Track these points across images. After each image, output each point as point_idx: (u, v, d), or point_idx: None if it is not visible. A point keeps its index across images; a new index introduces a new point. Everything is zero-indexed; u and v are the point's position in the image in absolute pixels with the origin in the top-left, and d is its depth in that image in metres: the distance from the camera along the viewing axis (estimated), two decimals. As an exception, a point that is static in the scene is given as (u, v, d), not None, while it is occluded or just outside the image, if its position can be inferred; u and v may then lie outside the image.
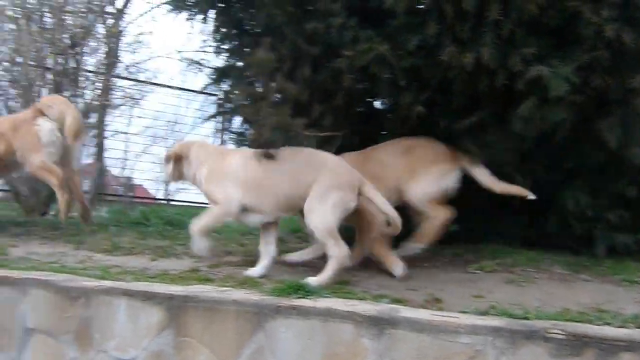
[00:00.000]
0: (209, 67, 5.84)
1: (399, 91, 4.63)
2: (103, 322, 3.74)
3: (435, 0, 4.26)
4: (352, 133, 4.86)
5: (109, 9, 9.48)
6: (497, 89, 4.37)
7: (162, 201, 14.96)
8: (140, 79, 10.86)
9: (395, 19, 4.47)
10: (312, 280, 3.88)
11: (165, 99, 14.51)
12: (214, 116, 6.18)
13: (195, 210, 10.24)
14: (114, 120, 10.71)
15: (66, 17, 8.33)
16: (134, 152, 14.82)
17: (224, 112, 5.93)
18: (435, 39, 4.34)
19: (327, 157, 4.34)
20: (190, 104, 16.10)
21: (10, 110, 8.09)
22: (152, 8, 12.56)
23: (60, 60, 8.05)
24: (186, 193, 17.01)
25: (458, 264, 4.82)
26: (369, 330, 3.16)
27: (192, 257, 5.08)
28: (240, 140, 6.05)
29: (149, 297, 3.61)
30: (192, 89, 15.04)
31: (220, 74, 5.76)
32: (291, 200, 4.28)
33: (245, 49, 5.28)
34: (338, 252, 4.09)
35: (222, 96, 5.79)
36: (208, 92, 15.21)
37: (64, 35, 7.98)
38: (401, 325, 3.12)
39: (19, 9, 8.24)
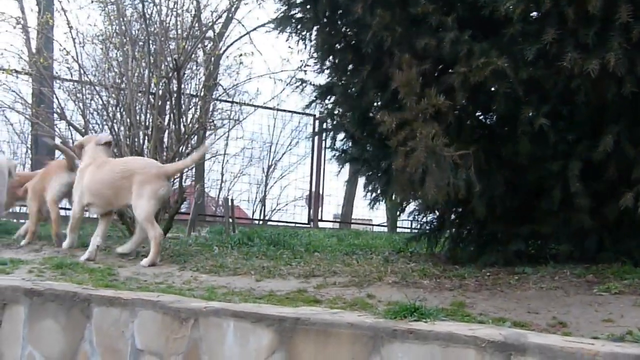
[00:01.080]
0: (312, 84, 5.75)
1: (518, 105, 4.35)
2: (212, 344, 3.63)
3: (555, 4, 3.97)
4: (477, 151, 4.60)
5: (209, 33, 9.65)
6: (625, 97, 4.04)
7: (258, 221, 15.11)
8: (238, 101, 10.93)
9: (510, 27, 4.21)
10: (144, 262, 5.65)
11: (261, 119, 14.76)
12: (319, 133, 6.06)
13: (293, 230, 10.28)
14: (213, 143, 10.75)
15: (169, 42, 8.48)
16: (232, 173, 15.03)
17: (329, 129, 5.80)
18: (556, 46, 4.05)
19: (136, 162, 6.20)
20: (285, 124, 16.30)
21: (115, 133, 8.27)
22: (251, 30, 12.77)
23: (162, 84, 8.16)
24: (282, 213, 17.25)
25: (579, 285, 4.48)
26: (493, 357, 2.91)
27: (298, 278, 4.97)
28: (342, 158, 5.92)
29: (258, 319, 3.48)
30: (288, 109, 15.33)
31: (324, 91, 5.66)
32: (115, 200, 6.07)
33: (350, 66, 5.14)
34: (154, 234, 5.71)
35: (326, 114, 5.66)
36: (305, 112, 15.48)
37: (167, 59, 8.08)
38: (530, 352, 2.85)
39: (124, 36, 8.45)
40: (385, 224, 17.24)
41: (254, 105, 12.92)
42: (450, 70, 4.43)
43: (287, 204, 17.60)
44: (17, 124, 13.88)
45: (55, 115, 9.13)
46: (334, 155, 5.94)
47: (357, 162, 5.62)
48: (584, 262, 4.89)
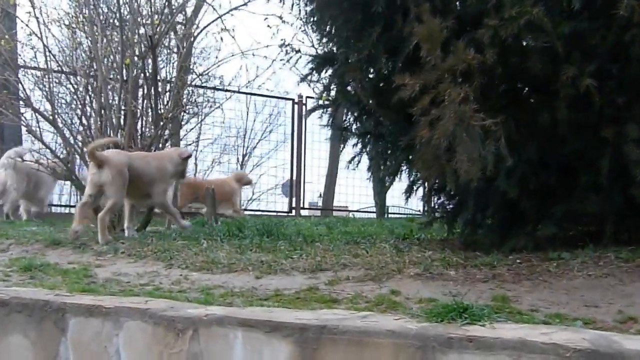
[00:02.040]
0: (308, 54, 5.09)
1: (557, 64, 3.74)
2: None
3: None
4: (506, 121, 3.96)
5: (180, 17, 8.90)
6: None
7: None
8: (213, 86, 10.19)
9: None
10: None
11: (235, 105, 14.03)
12: (313, 110, 5.39)
13: (277, 219, 9.63)
14: (192, 129, 10.01)
15: (140, 25, 7.72)
16: (205, 162, 14.33)
17: (331, 104, 5.12)
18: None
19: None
20: (262, 110, 15.53)
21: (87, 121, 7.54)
22: (225, 14, 11.99)
23: (136, 65, 7.43)
24: (258, 202, 16.56)
25: (632, 271, 3.92)
26: (582, 370, 2.31)
27: (304, 273, 4.36)
28: (346, 135, 5.27)
29: (273, 328, 2.83)
30: (265, 94, 14.58)
31: (321, 62, 5.00)
32: None
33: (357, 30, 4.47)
34: None
35: (323, 88, 4.99)
36: (284, 96, 14.73)
37: (141, 37, 7.35)
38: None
39: (93, 15, 7.69)
40: (364, 210, 16.69)
41: (230, 90, 12.16)
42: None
43: (262, 193, 16.86)
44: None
45: (21, 103, 8.34)
46: (334, 134, 5.27)
47: (368, 138, 4.94)
48: (625, 244, 4.33)
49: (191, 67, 9.77)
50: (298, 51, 5.05)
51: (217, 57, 10.45)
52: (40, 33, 7.62)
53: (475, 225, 5.00)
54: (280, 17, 11.01)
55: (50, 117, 7.44)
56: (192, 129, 10.02)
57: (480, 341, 2.46)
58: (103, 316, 3.30)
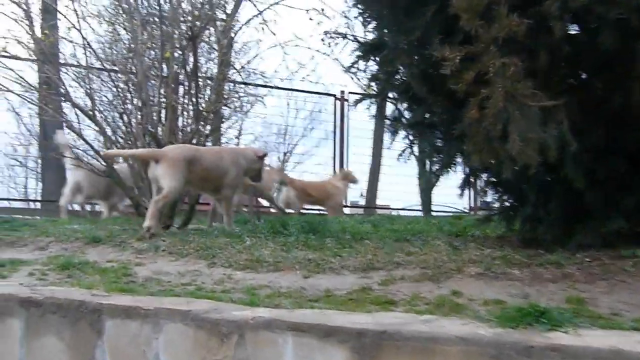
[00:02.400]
0: (356, 40, 4.79)
1: (632, 38, 3.38)
2: (264, 367, 2.72)
3: None
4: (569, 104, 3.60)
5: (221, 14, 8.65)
6: None
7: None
8: (253, 82, 9.93)
9: None
10: None
11: (276, 102, 13.76)
12: (360, 101, 5.08)
13: (321, 217, 9.37)
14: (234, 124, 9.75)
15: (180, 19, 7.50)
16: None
17: (379, 94, 4.82)
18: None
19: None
20: (302, 107, 15.22)
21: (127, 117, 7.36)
22: (265, 9, 11.76)
23: (176, 58, 7.23)
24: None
25: None
26: None
27: (355, 272, 4.08)
28: (396, 126, 4.96)
29: (327, 333, 2.56)
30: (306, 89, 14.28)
31: (369, 49, 4.70)
32: None
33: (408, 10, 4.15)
34: None
35: (371, 76, 4.68)
36: (326, 92, 14.37)
37: (182, 28, 7.13)
38: None
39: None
40: (408, 208, 16.26)
41: (270, 86, 11.95)
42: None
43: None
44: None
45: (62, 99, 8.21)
46: (381, 126, 4.96)
47: (419, 128, 4.61)
48: None
49: (232, 62, 9.56)
50: (344, 36, 4.72)
51: (257, 52, 10.08)
52: (79, 27, 7.44)
53: (536, 220, 4.63)
54: (322, 11, 10.71)
55: (91, 113, 7.26)
56: (233, 124, 9.75)
57: (565, 350, 2.16)
58: (142, 318, 3.06)
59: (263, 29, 8.62)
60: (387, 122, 5.00)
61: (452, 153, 4.33)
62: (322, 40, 9.88)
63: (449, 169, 4.61)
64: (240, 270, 4.32)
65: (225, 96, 8.51)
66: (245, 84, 9.82)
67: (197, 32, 6.88)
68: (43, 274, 4.39)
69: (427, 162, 5.03)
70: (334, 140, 14.32)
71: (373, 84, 5.04)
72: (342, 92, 14.29)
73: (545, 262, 3.97)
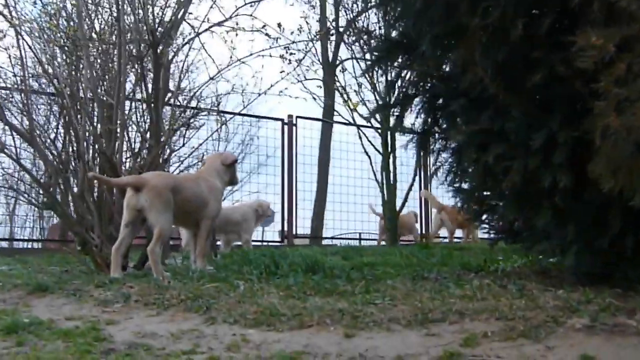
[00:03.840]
0: (381, 37, 3.88)
1: None
2: None
3: None
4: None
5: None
6: None
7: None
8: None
9: None
10: None
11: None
12: (388, 107, 4.15)
13: (278, 249, 8.39)
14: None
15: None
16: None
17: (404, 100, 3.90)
18: None
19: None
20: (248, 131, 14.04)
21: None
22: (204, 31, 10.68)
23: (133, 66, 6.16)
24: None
25: None
26: None
27: (410, 327, 3.14)
28: (425, 140, 4.05)
29: None
30: (255, 114, 13.18)
31: (393, 47, 3.79)
32: None
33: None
34: None
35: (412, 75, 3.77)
36: (272, 117, 13.30)
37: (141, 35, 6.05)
38: None
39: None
40: (348, 238, 15.23)
41: (212, 110, 10.81)
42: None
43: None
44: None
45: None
46: (413, 140, 4.03)
47: (478, 138, 3.64)
48: None
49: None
50: (367, 32, 3.81)
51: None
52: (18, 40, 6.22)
53: (612, 253, 3.77)
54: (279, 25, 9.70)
55: (28, 135, 6.05)
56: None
57: None
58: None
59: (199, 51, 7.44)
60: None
61: (530, 167, 3.39)
62: (282, 56, 9.00)
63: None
64: (254, 328, 3.27)
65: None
66: (192, 108, 8.72)
67: (160, 37, 5.80)
68: (-18, 343, 3.22)
69: (474, 179, 4.09)
70: (282, 166, 13.31)
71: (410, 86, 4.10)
72: (290, 116, 13.40)
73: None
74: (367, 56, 10.61)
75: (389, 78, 4.08)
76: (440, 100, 4.02)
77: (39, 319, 3.62)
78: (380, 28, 4.74)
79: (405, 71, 3.99)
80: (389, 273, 5.03)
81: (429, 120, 4.09)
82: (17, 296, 4.50)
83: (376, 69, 4.31)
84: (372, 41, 3.96)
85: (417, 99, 4.10)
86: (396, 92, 4.30)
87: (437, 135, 4.12)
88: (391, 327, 3.15)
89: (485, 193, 4.45)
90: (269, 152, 13.29)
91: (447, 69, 3.83)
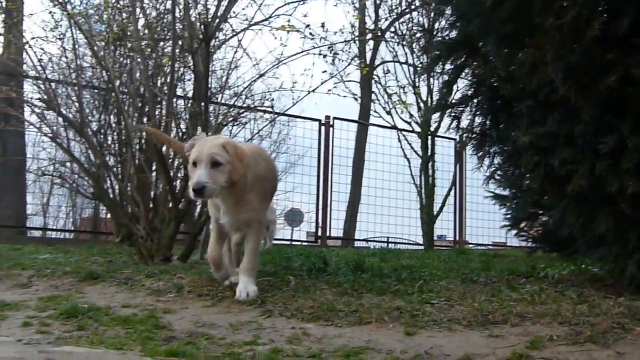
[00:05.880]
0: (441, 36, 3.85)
1: None
2: None
3: None
4: None
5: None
6: None
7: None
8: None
9: None
10: None
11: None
12: (445, 108, 4.11)
13: (319, 250, 8.39)
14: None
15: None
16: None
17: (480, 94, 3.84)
18: None
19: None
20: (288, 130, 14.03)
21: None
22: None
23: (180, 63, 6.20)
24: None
25: None
26: None
27: (470, 327, 3.13)
28: (482, 142, 4.01)
29: None
30: (294, 114, 13.17)
31: (453, 47, 3.76)
32: None
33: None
34: None
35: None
36: (310, 117, 13.24)
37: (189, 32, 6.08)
38: None
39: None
40: (377, 240, 15.13)
41: (252, 109, 10.83)
42: None
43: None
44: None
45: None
46: (470, 139, 3.98)
47: (546, 141, 3.56)
48: None
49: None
50: (427, 30, 3.79)
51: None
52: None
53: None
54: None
55: (79, 125, 6.12)
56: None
57: None
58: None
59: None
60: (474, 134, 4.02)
61: (596, 172, 3.33)
62: (323, 54, 8.94)
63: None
64: (312, 322, 3.28)
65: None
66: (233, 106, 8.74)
67: (212, 32, 5.83)
68: (43, 325, 3.26)
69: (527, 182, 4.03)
70: (318, 166, 13.26)
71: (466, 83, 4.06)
72: (327, 117, 13.36)
73: None
74: (413, 57, 10.66)
75: (446, 79, 3.99)
76: (499, 102, 3.98)
77: (96, 305, 3.65)
78: (429, 28, 4.63)
79: (462, 72, 3.93)
80: (436, 275, 4.99)
81: (487, 122, 4.05)
82: (69, 283, 4.55)
83: (420, 71, 4.24)
84: (430, 41, 3.87)
85: (474, 100, 4.06)
86: (453, 93, 4.22)
87: (495, 137, 4.08)
88: (452, 326, 3.13)
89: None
90: (302, 152, 13.31)
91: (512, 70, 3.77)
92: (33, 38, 6.68)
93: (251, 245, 4.03)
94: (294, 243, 13.44)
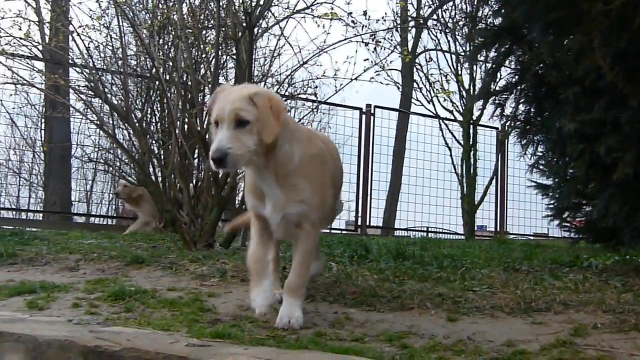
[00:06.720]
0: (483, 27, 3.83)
1: None
2: None
3: None
4: None
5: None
6: None
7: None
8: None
9: None
10: None
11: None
12: (489, 95, 4.10)
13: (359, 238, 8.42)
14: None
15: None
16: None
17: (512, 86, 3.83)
18: None
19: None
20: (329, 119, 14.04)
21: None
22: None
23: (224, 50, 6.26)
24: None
25: None
26: None
27: (513, 314, 3.12)
28: (526, 130, 3.98)
29: None
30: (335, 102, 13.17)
31: (500, 33, 3.72)
32: None
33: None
34: None
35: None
36: (353, 105, 13.25)
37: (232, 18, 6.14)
38: None
39: None
40: (422, 230, 15.10)
41: (296, 97, 10.87)
42: None
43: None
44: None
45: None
46: (514, 127, 3.95)
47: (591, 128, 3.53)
48: None
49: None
50: (471, 17, 3.78)
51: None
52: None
53: None
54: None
55: (124, 112, 6.23)
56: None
57: None
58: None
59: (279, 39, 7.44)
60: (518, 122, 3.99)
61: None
62: (365, 42, 8.92)
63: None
64: (355, 308, 3.31)
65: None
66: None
67: (255, 19, 5.88)
68: (92, 306, 3.35)
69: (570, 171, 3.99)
70: (359, 155, 13.21)
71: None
72: (369, 105, 13.29)
73: None
74: (456, 45, 10.56)
75: (490, 66, 3.96)
76: (544, 89, 3.94)
77: (142, 288, 3.73)
78: (472, 15, 4.57)
79: (506, 60, 3.90)
80: (477, 263, 4.98)
81: (531, 109, 4.02)
82: (115, 267, 4.65)
83: (463, 59, 4.21)
84: (474, 28, 3.85)
85: (519, 87, 4.03)
86: (497, 80, 4.19)
87: (539, 125, 4.05)
88: (495, 314, 3.13)
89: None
90: (343, 141, 13.30)
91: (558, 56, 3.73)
92: (80, 26, 6.79)
93: (301, 256, 3.08)
94: (333, 232, 13.47)
